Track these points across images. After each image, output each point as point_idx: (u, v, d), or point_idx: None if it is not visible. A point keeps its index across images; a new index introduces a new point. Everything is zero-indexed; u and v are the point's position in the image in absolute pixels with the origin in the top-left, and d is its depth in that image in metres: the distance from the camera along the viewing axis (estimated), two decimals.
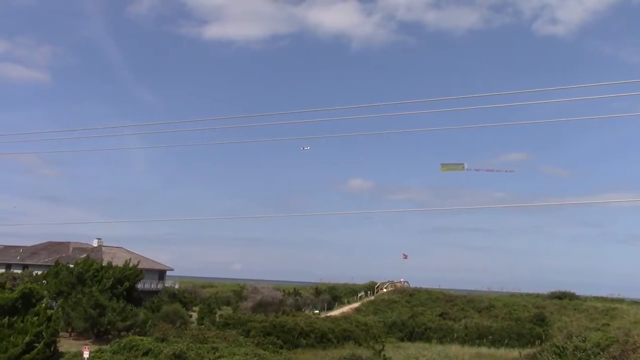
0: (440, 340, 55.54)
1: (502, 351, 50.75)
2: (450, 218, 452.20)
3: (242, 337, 43.68)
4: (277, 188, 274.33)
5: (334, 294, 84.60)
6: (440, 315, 68.25)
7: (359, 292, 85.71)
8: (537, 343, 49.20)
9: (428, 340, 56.17)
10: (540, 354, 37.66)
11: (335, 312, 70.17)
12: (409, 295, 79.27)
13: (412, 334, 57.99)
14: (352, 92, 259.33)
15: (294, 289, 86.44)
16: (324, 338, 49.99)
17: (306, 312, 69.59)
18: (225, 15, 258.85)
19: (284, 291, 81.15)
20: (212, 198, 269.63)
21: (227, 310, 67.78)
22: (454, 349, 50.37)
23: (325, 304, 77.41)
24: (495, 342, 54.48)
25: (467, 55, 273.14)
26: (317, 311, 71.32)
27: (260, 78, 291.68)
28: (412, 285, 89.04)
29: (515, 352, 46.10)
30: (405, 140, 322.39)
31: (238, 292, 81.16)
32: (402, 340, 56.02)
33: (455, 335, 56.65)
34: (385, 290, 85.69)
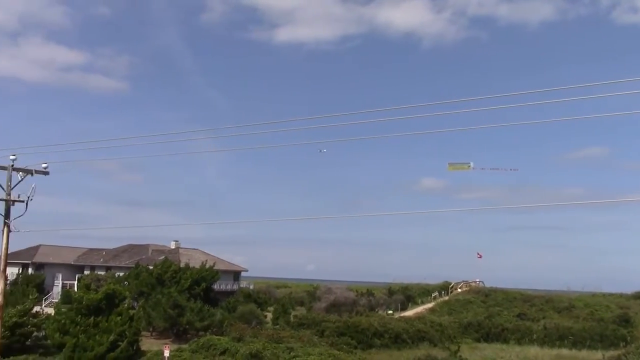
0: (518, 342, 54.20)
1: (584, 353, 49.05)
2: (525, 216, 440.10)
3: (316, 337, 44.01)
4: (349, 188, 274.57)
5: (407, 294, 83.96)
6: (518, 315, 66.68)
7: (433, 292, 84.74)
8: (621, 345, 47.37)
9: (505, 341, 54.92)
10: (625, 357, 36.15)
11: (409, 313, 69.64)
12: (484, 296, 77.81)
13: (489, 334, 56.84)
14: (423, 90, 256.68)
15: (367, 289, 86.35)
16: (398, 338, 49.73)
17: (380, 312, 69.37)
18: (296, 18, 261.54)
19: (357, 291, 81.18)
20: (284, 199, 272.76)
21: (301, 311, 68.40)
22: (533, 350, 49.08)
23: (399, 304, 76.93)
24: (577, 344, 52.67)
25: (542, 48, 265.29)
26: (390, 311, 70.98)
27: (330, 79, 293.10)
28: (488, 285, 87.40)
29: (598, 355, 44.41)
30: (476, 137, 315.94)
31: (311, 293, 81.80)
32: (478, 341, 55.02)
33: (534, 336, 55.13)
34: (459, 290, 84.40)
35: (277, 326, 51.28)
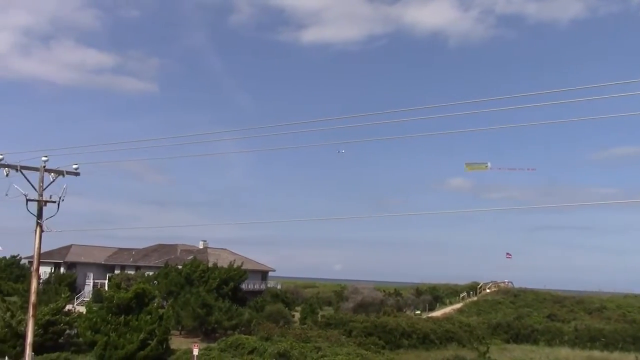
0: (549, 343, 53.54)
1: (616, 355, 48.25)
2: (555, 215, 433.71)
3: (344, 337, 44.04)
4: (376, 188, 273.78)
5: (435, 295, 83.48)
6: (548, 316, 65.92)
7: (461, 292, 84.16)
8: None
9: (535, 342, 54.29)
10: None
11: (437, 313, 69.25)
12: (513, 296, 77.07)
13: (518, 336, 56.24)
14: (451, 90, 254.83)
15: (395, 289, 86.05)
16: (426, 339, 49.50)
17: (407, 312, 69.11)
18: (322, 18, 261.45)
19: (384, 291, 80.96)
20: (312, 199, 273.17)
21: (328, 311, 68.44)
22: (564, 352, 48.44)
23: (427, 305, 76.52)
24: (609, 346, 51.81)
25: (571, 46, 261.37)
26: (418, 312, 70.67)
27: (357, 79, 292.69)
28: (517, 285, 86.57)
29: (630, 357, 43.71)
30: (504, 137, 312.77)
31: (339, 293, 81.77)
32: (507, 342, 54.47)
33: (565, 337, 54.41)
34: (488, 290, 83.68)
35: (305, 326, 51.38)
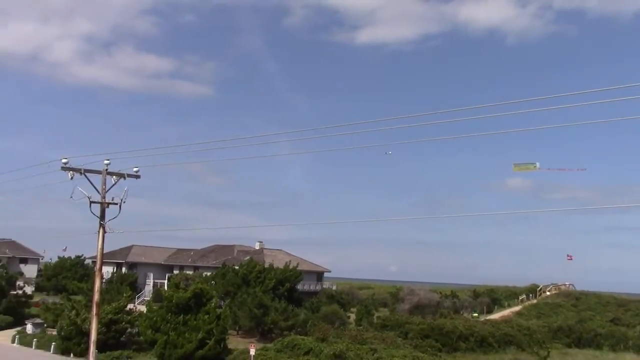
0: (613, 348, 51.87)
1: None
2: (620, 216, 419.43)
3: (400, 339, 43.74)
4: (433, 188, 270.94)
5: (493, 297, 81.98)
6: (612, 320, 63.88)
7: (520, 295, 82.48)
8: None
9: (598, 347, 52.69)
10: None
11: (495, 316, 68.05)
12: (575, 299, 75.06)
13: (580, 340, 54.66)
14: (508, 88, 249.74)
15: (451, 291, 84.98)
16: (484, 342, 48.68)
17: (464, 315, 68.14)
18: (377, 19, 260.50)
19: (440, 293, 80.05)
20: (366, 200, 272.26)
21: (384, 312, 68.12)
22: (629, 357, 46.93)
23: (484, 307, 75.25)
24: None
25: (635, 41, 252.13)
26: (475, 314, 69.59)
27: (412, 79, 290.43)
28: (579, 288, 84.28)
29: None
30: (565, 135, 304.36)
31: (394, 294, 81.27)
32: (568, 346, 53.04)
33: (630, 342, 52.58)
34: (548, 293, 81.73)
35: (361, 327, 51.29)
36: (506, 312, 71.92)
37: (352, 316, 61.61)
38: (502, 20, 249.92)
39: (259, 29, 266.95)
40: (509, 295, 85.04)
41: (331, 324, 49.43)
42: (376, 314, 61.48)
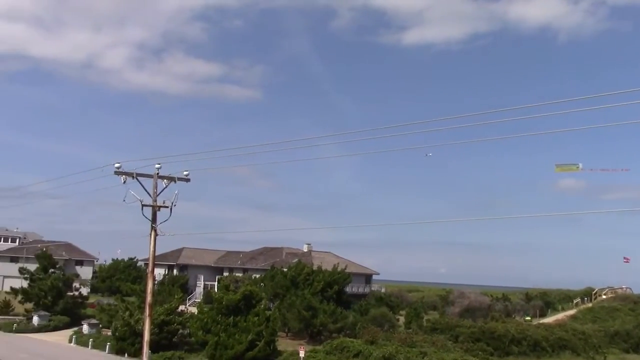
0: None
1: None
2: None
3: (450, 342, 43.24)
4: (483, 189, 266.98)
5: (546, 300, 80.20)
6: None
7: (575, 298, 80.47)
8: None
9: None
10: None
11: (549, 320, 66.55)
12: (632, 303, 72.77)
13: (639, 345, 52.90)
14: (560, 87, 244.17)
15: (503, 294, 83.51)
16: (537, 346, 47.68)
17: (516, 318, 66.83)
18: (425, 19, 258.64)
19: (491, 296, 78.77)
20: (416, 202, 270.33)
21: (433, 315, 67.42)
22: None
23: (537, 311, 73.63)
24: None
25: None
26: (528, 317, 68.21)
27: (461, 79, 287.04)
28: (636, 291, 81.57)
29: None
30: (619, 135, 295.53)
31: (444, 297, 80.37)
32: (626, 352, 51.45)
33: None
34: (604, 296, 79.47)
35: (410, 330, 50.90)
36: (560, 315, 70.27)
37: (401, 319, 61.18)
38: (554, 17, 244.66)
39: (305, 32, 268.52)
40: (562, 298, 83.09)
41: (380, 326, 49.18)
42: (425, 317, 60.89)
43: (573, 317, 67.37)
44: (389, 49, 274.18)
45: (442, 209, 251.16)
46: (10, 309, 59.60)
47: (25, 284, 61.07)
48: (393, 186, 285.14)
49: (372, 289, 75.08)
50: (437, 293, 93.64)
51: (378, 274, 79.74)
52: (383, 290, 77.30)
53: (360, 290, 71.87)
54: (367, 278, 77.16)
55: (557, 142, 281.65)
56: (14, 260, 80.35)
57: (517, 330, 49.26)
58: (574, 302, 78.64)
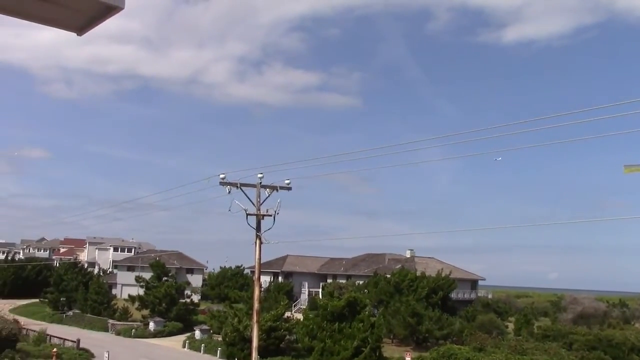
0: None
1: None
2: None
3: (564, 350, 41.42)
4: (592, 190, 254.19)
5: None
6: None
7: None
8: None
9: None
10: None
11: None
12: None
13: None
14: None
15: (620, 299, 79.09)
16: None
17: (636, 325, 63.03)
18: (525, 15, 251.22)
19: (607, 302, 74.83)
20: (522, 205, 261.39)
21: (544, 322, 64.87)
22: None
23: None
24: None
25: None
26: None
27: (565, 75, 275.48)
28: None
29: None
30: None
31: (555, 303, 77.28)
32: None
33: None
34: None
35: (520, 337, 49.23)
36: None
37: (510, 326, 59.32)
38: None
39: (402, 37, 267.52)
40: None
41: (488, 333, 47.88)
42: (536, 324, 58.70)
43: None
44: (488, 48, 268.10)
45: (551, 212, 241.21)
46: (129, 315, 63.10)
47: (141, 291, 64.40)
48: (499, 189, 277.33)
49: (478, 294, 73.32)
50: (548, 299, 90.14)
51: (484, 279, 77.79)
52: (490, 296, 75.31)
53: (466, 296, 70.38)
54: (473, 284, 75.45)
55: None
56: (130, 269, 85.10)
57: (638, 338, 46.46)
58: None
